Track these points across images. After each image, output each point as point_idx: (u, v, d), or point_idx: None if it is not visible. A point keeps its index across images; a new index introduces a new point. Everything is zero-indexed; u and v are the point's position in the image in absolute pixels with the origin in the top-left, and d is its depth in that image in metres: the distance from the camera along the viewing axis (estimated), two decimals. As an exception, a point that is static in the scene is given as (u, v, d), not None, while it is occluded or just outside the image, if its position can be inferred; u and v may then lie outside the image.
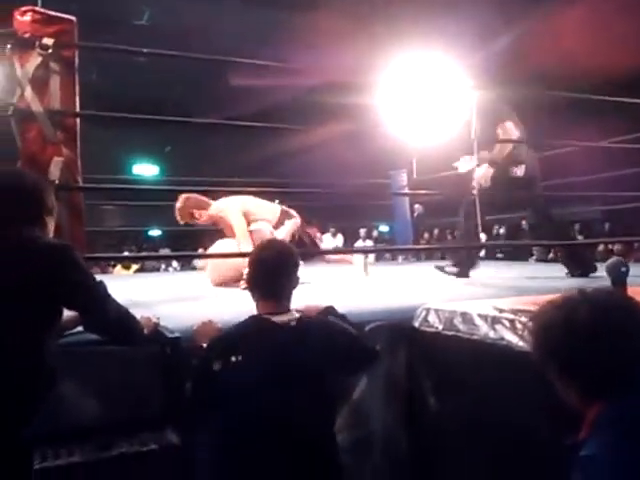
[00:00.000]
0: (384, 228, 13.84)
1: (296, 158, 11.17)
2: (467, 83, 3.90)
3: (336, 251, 6.29)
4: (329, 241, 9.97)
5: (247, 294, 1.86)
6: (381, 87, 4.00)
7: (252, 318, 1.78)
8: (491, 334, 2.10)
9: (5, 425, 1.49)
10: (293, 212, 4.27)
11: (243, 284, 3.56)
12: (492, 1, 7.90)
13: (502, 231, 9.74)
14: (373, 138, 5.63)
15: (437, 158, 5.57)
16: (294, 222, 4.20)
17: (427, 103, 4.24)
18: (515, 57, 7.66)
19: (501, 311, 2.14)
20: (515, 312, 2.08)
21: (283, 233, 4.03)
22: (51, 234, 1.77)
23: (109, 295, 1.75)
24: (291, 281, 1.83)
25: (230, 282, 3.86)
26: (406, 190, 7.19)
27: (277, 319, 1.74)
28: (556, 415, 1.73)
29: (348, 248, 9.11)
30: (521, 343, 1.97)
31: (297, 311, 1.83)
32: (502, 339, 2.05)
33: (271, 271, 1.80)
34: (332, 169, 9.57)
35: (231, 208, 4.01)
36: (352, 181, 8.67)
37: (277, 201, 4.33)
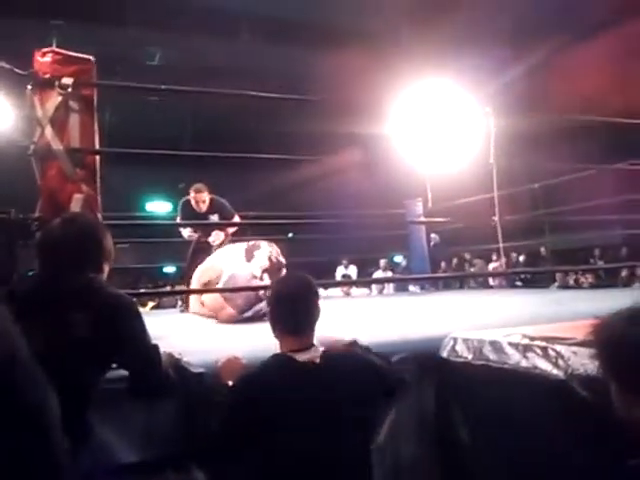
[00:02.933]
0: (398, 259, 13.79)
1: (309, 189, 11.22)
2: (483, 110, 3.90)
3: (354, 282, 6.24)
4: (341, 273, 9.93)
5: (267, 328, 1.82)
6: (395, 117, 4.01)
7: (276, 357, 1.74)
8: (523, 363, 2.04)
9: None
10: (260, 243, 4.22)
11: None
12: (506, 35, 8.00)
13: (522, 258, 9.61)
14: (387, 168, 5.63)
15: (452, 186, 5.55)
16: (263, 250, 4.13)
17: (441, 131, 4.24)
18: (529, 89, 7.71)
19: (532, 339, 2.08)
20: (547, 339, 2.02)
21: (258, 264, 3.98)
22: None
23: (160, 361, 1.71)
24: (313, 314, 1.79)
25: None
26: (421, 219, 7.15)
27: (301, 357, 1.69)
28: (599, 442, 1.67)
29: (366, 279, 9.04)
30: (555, 371, 1.90)
31: (321, 344, 1.78)
32: (535, 368, 1.98)
33: (291, 306, 1.76)
34: (345, 200, 9.58)
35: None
36: (366, 211, 8.66)
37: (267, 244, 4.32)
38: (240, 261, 3.95)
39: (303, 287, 1.81)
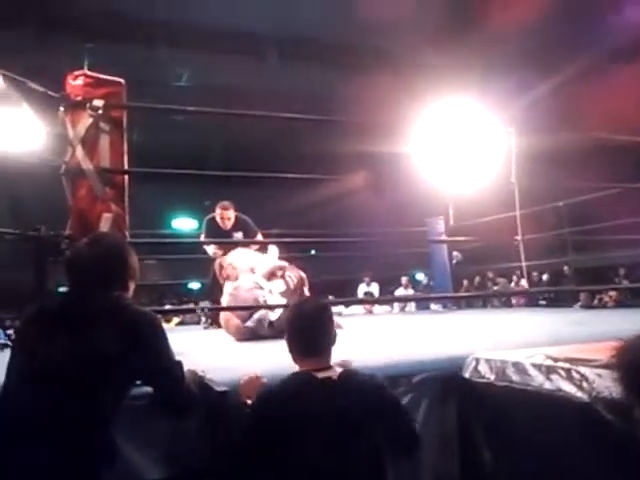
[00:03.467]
0: (419, 276, 13.72)
1: (332, 207, 11.26)
2: (505, 129, 3.91)
3: (376, 300, 6.23)
4: (363, 290, 9.91)
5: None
6: (417, 135, 4.04)
7: (295, 375, 1.76)
8: (547, 385, 2.01)
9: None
10: (294, 268, 4.30)
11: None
12: (530, 55, 7.98)
13: (545, 277, 9.49)
14: (409, 186, 5.65)
15: (473, 204, 5.54)
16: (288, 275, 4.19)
17: (463, 150, 4.24)
18: (554, 109, 7.67)
19: (555, 360, 2.05)
20: (570, 361, 2.00)
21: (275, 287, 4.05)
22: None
23: (184, 378, 1.73)
24: (329, 337, 1.81)
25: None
26: (443, 237, 7.12)
27: (320, 375, 1.72)
28: (624, 466, 1.65)
29: (388, 297, 9.00)
30: (580, 394, 1.87)
31: (338, 366, 1.81)
32: (559, 390, 1.96)
33: (307, 330, 1.79)
34: (367, 218, 9.60)
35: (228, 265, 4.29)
36: (388, 229, 8.67)
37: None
38: (255, 276, 4.03)
39: (318, 311, 1.84)
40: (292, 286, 4.05)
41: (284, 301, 3.84)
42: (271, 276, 4.05)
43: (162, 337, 1.67)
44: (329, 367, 1.77)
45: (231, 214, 5.11)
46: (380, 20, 7.82)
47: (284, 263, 4.27)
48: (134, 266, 1.78)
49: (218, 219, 5.11)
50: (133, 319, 1.62)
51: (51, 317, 1.62)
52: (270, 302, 3.84)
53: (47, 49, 7.74)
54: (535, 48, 7.97)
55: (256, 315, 3.78)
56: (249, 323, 3.79)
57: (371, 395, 1.76)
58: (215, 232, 5.06)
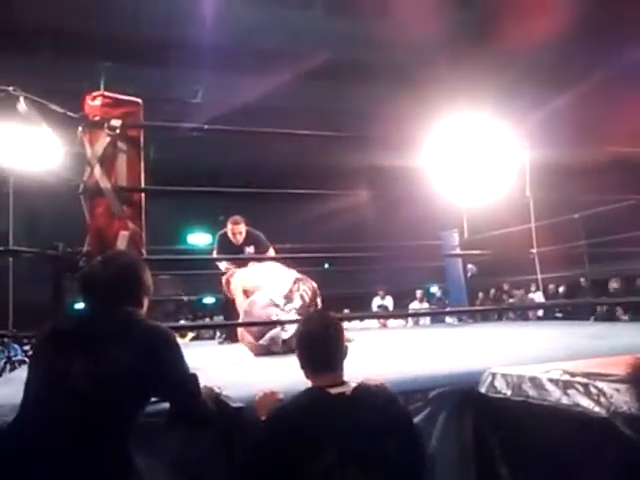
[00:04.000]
0: (434, 289, 13.66)
1: (345, 221, 11.28)
2: (519, 142, 3.91)
3: (391, 315, 6.21)
4: (377, 303, 9.88)
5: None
6: (431, 149, 4.05)
7: (308, 390, 1.76)
8: (564, 400, 2.00)
9: None
10: (308, 279, 4.29)
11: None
12: (545, 70, 7.99)
13: (561, 289, 9.40)
14: (423, 200, 5.65)
15: (488, 217, 5.52)
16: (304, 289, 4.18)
17: (476, 162, 4.24)
18: (568, 123, 7.66)
19: (573, 375, 2.04)
20: (588, 375, 1.98)
21: (295, 304, 4.05)
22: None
23: (200, 392, 1.74)
24: (340, 351, 1.81)
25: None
26: (458, 250, 7.10)
27: (333, 390, 1.71)
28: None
29: (402, 312, 8.96)
30: (597, 409, 1.86)
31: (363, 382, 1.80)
32: (576, 405, 1.94)
33: (319, 345, 1.79)
34: (381, 231, 9.61)
35: (234, 285, 4.36)
36: (402, 243, 8.66)
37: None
38: (271, 292, 4.04)
39: (328, 326, 1.83)
40: (307, 300, 4.07)
41: (297, 317, 3.84)
42: (289, 293, 4.07)
43: (176, 351, 1.68)
44: (343, 382, 1.76)
45: (242, 228, 5.15)
46: (396, 36, 7.89)
47: (298, 275, 4.28)
48: (148, 283, 1.81)
49: (230, 234, 5.15)
50: (147, 334, 1.64)
51: (65, 335, 1.65)
52: (283, 319, 3.86)
53: (63, 71, 7.89)
54: (551, 63, 7.97)
55: (268, 335, 3.80)
56: (262, 342, 3.81)
57: (384, 410, 1.75)
58: (227, 247, 5.10)
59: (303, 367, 1.82)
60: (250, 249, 5.11)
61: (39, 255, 3.01)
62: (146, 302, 1.81)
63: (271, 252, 5.20)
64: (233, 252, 5.09)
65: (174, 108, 9.03)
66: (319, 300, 4.25)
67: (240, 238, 5.14)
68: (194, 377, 1.72)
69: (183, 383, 1.68)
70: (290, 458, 1.63)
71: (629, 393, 1.70)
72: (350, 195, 5.95)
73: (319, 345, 1.79)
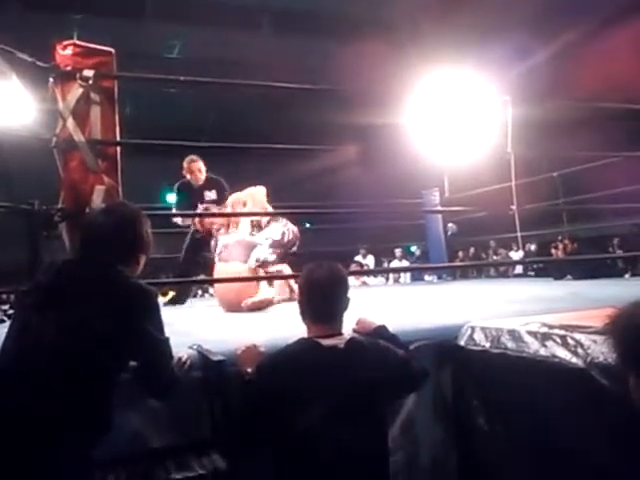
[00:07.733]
0: (413, 248, 13.78)
1: (326, 179, 11.24)
2: (500, 98, 3.87)
3: (374, 271, 6.24)
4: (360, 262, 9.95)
5: (289, 315, 1.83)
6: (412, 107, 4.00)
7: (301, 341, 1.75)
8: (542, 351, 2.03)
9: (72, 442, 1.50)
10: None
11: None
12: (526, 21, 7.89)
13: (533, 248, 9.48)
14: (403, 158, 5.62)
15: (469, 176, 5.52)
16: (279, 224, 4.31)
17: (458, 120, 4.21)
18: (551, 76, 7.60)
19: (551, 327, 2.07)
20: (566, 328, 2.01)
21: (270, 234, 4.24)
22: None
23: (171, 357, 1.72)
24: (342, 303, 1.80)
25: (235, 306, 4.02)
26: (438, 208, 7.12)
27: (327, 342, 1.71)
28: (618, 431, 1.67)
29: (384, 268, 9.01)
30: (575, 360, 1.89)
31: (353, 331, 1.81)
32: (554, 356, 1.97)
33: (323, 294, 1.77)
34: (362, 190, 9.58)
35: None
36: (383, 201, 8.65)
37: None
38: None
39: (334, 275, 1.82)
40: (285, 239, 4.19)
41: (271, 250, 4.12)
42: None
43: (155, 314, 1.65)
44: (339, 334, 1.76)
45: (201, 165, 4.84)
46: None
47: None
48: (147, 240, 1.75)
49: (188, 176, 4.87)
50: (127, 293, 1.60)
51: (43, 291, 1.61)
52: (260, 247, 4.13)
53: (35, 21, 7.58)
54: (532, 14, 7.87)
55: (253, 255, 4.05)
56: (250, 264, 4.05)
57: (378, 355, 1.76)
58: (188, 197, 4.85)
59: (302, 314, 1.80)
60: (211, 193, 4.85)
61: (13, 211, 2.93)
62: (143, 260, 1.75)
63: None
64: (195, 198, 4.81)
65: (150, 64, 8.77)
66: (295, 249, 4.37)
67: (200, 176, 4.85)
68: (166, 341, 1.69)
69: (156, 346, 1.65)
70: (281, 409, 1.64)
71: (606, 344, 1.72)
72: (332, 153, 5.89)
73: (323, 294, 1.77)
